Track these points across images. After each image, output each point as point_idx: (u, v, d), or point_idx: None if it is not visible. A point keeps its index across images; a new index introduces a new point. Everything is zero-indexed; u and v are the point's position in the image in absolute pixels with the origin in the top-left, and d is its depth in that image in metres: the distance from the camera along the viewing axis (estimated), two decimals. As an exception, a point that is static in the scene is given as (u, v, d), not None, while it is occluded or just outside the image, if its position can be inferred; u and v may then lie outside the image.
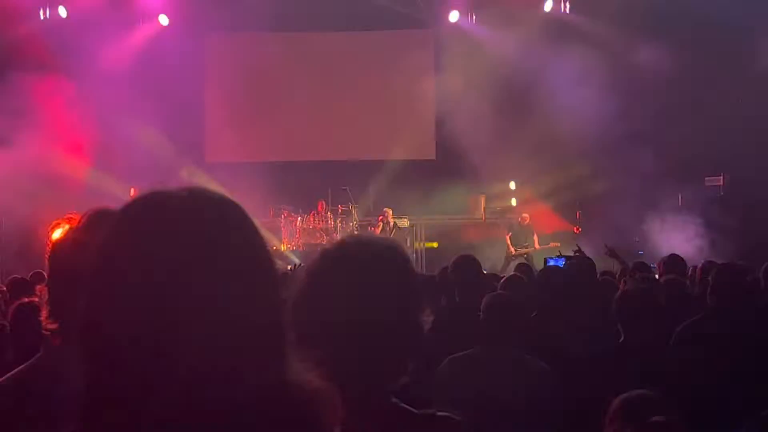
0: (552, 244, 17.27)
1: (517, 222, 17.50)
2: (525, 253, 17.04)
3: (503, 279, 6.08)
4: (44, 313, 2.15)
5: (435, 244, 18.20)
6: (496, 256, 17.13)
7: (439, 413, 1.93)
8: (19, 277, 8.37)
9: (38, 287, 2.37)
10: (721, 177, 17.14)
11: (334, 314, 1.80)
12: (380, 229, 17.33)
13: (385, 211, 17.68)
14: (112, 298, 1.19)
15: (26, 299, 4.66)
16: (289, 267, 12.35)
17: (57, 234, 2.33)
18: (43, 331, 2.15)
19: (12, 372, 2.30)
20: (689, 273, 7.95)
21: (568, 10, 18.82)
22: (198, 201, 1.28)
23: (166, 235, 1.22)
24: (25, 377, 2.25)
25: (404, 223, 18.27)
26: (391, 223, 17.53)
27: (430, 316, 1.91)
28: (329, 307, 1.81)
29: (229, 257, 1.25)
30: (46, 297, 2.17)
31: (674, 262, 7.68)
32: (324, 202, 18.35)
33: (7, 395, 2.19)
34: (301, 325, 1.78)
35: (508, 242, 17.33)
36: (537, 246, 17.29)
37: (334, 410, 1.32)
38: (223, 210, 1.30)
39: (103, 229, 1.26)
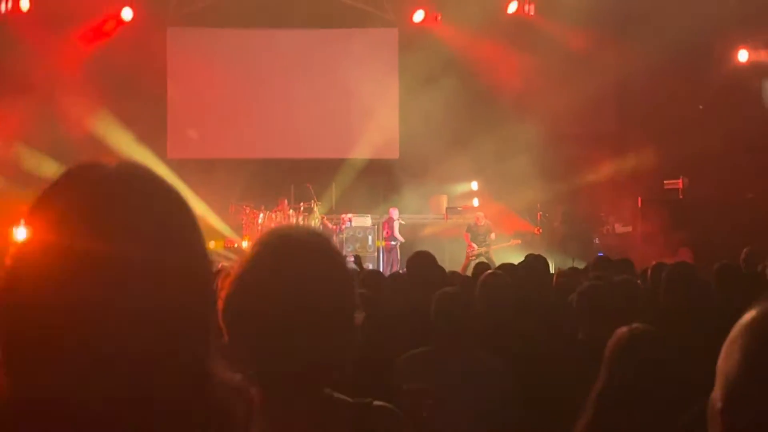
0: (512, 242, 17.40)
1: (474, 222, 17.56)
2: (485, 252, 17.10)
3: (483, 276, 5.99)
4: None
5: (397, 243, 18.21)
6: (458, 255, 17.18)
7: (376, 403, 1.90)
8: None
9: None
10: (680, 180, 17.32)
11: (261, 309, 1.75)
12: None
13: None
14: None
15: None
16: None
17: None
18: None
19: None
20: (648, 274, 8.05)
21: (532, 12, 18.89)
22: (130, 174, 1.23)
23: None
24: None
25: (366, 221, 18.36)
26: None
27: (361, 312, 1.88)
28: (256, 302, 1.76)
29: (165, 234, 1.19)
30: None
31: (603, 263, 7.87)
32: (285, 201, 18.35)
33: None
34: (232, 322, 1.76)
35: (468, 241, 17.40)
36: (496, 244, 17.35)
37: (249, 410, 1.28)
38: (156, 187, 1.23)
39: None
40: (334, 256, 1.89)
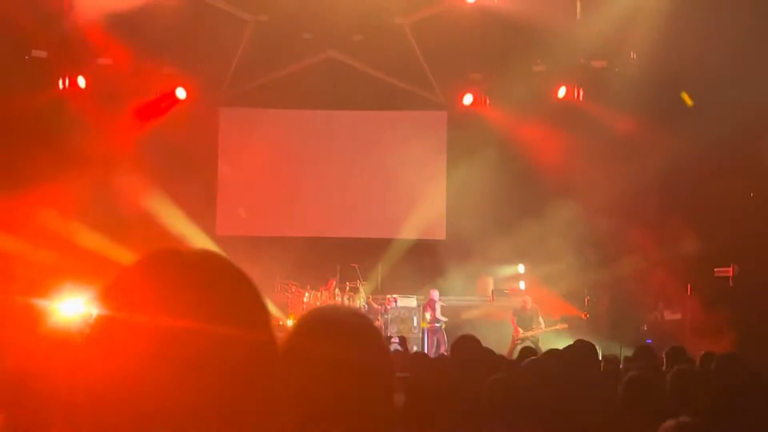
0: (560, 326, 17.19)
1: (521, 306, 17.39)
2: (532, 336, 16.90)
3: (529, 362, 5.94)
4: None
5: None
6: (504, 338, 17.01)
7: None
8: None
9: None
10: (731, 268, 17.06)
11: (299, 388, 1.77)
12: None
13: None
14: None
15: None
16: None
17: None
18: None
19: None
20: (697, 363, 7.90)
21: (581, 97, 18.91)
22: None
23: None
24: None
25: (412, 302, 18.31)
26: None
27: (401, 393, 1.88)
28: (295, 381, 1.78)
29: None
30: None
31: (650, 351, 7.73)
32: (334, 281, 18.37)
33: None
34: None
35: (514, 325, 17.22)
36: (543, 328, 17.16)
37: None
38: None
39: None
40: (374, 337, 1.91)
